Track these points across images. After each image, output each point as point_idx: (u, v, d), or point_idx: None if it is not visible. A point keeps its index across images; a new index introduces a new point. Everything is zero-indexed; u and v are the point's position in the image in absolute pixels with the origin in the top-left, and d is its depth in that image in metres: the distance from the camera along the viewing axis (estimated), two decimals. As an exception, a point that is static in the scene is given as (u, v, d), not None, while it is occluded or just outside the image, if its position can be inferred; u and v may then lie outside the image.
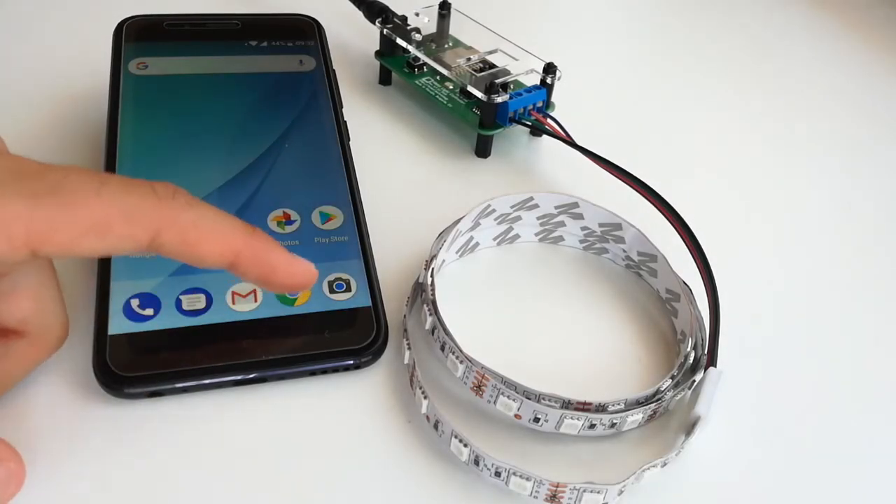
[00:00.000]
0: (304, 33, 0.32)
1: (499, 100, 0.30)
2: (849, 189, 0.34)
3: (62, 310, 0.21)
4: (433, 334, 0.23)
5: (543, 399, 0.22)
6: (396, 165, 0.31)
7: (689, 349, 0.24)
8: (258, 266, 0.19)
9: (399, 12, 0.34)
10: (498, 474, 0.20)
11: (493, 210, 0.27)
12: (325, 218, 0.26)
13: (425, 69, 0.34)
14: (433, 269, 0.25)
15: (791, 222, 0.31)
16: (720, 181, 0.33)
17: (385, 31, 0.34)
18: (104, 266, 0.23)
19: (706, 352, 0.24)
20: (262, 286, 0.20)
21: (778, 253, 0.30)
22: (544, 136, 0.33)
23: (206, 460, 0.21)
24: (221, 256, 0.19)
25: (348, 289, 0.24)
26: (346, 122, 0.30)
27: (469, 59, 0.33)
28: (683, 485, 0.22)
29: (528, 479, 0.20)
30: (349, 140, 0.29)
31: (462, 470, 0.21)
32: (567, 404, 0.22)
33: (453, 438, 0.21)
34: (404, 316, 0.24)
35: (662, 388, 0.23)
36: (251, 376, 0.22)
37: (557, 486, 0.20)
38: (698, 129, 0.36)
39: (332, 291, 0.24)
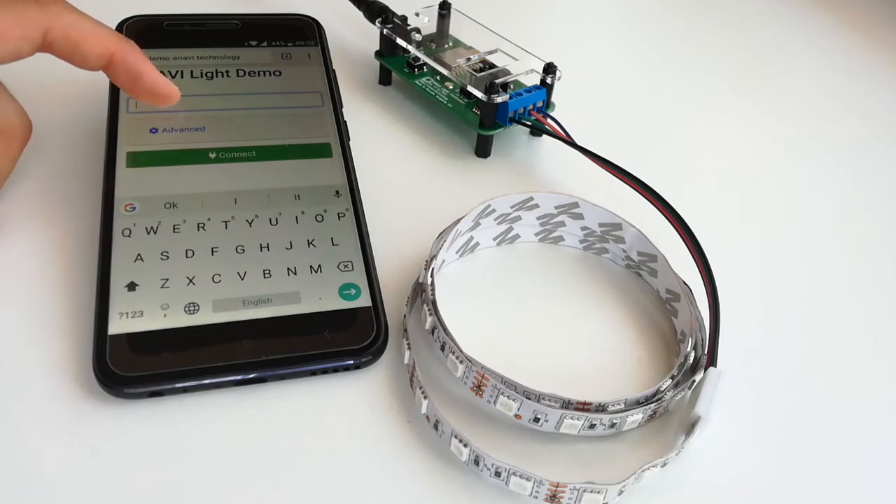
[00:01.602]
0: (304, 33, 0.32)
1: (499, 100, 0.30)
2: (849, 188, 0.34)
3: (18, 107, 0.25)
4: (433, 334, 0.23)
5: (543, 399, 0.22)
6: (396, 165, 0.31)
7: (689, 349, 0.24)
8: (128, 69, 0.24)
9: (399, 12, 0.34)
10: (498, 474, 0.20)
11: (493, 210, 0.27)
12: (325, 218, 0.26)
13: (425, 69, 0.34)
14: (433, 269, 0.25)
15: (791, 222, 0.31)
16: (720, 181, 0.33)
17: (385, 31, 0.34)
18: (104, 266, 0.23)
19: (706, 352, 0.24)
20: (130, 91, 0.25)
21: (778, 253, 0.30)
22: (544, 136, 0.33)
23: (206, 460, 0.21)
24: (100, 56, 0.24)
25: (348, 289, 0.24)
26: (346, 122, 0.30)
27: (469, 59, 0.33)
28: (683, 485, 0.22)
29: (528, 479, 0.20)
30: (349, 140, 0.29)
31: (462, 470, 0.21)
32: (567, 404, 0.22)
33: (453, 438, 0.21)
34: (404, 316, 0.24)
35: (662, 388, 0.23)
36: (251, 376, 0.22)
37: (557, 486, 0.20)
38: (698, 128, 0.36)
39: (332, 292, 0.24)
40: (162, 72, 0.29)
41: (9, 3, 0.22)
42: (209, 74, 0.30)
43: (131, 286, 0.23)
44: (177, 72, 0.29)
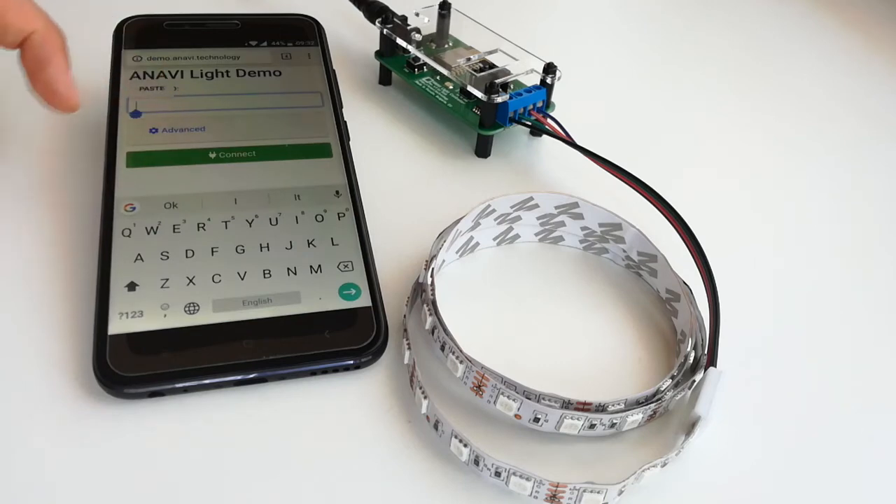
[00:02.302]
0: (304, 33, 0.32)
1: (499, 100, 0.30)
2: (849, 188, 0.34)
3: (46, 16, 0.24)
4: (433, 334, 0.23)
5: (543, 399, 0.22)
6: (396, 165, 0.31)
7: (689, 349, 0.24)
8: (39, 53, 0.23)
9: (399, 12, 0.34)
10: (498, 474, 0.20)
11: (493, 210, 0.27)
12: (325, 218, 0.26)
13: (425, 69, 0.34)
14: (433, 269, 0.25)
15: (791, 222, 0.31)
16: (720, 181, 0.33)
17: (385, 31, 0.34)
18: (104, 266, 0.23)
19: (706, 352, 0.24)
20: (31, 77, 0.24)
21: (778, 253, 0.30)
22: (544, 136, 0.33)
23: (206, 460, 0.21)
24: (20, 31, 0.23)
25: (348, 289, 0.24)
26: (346, 122, 0.30)
27: (469, 59, 0.33)
28: (683, 485, 0.22)
29: (528, 479, 0.20)
30: (349, 140, 0.29)
31: (462, 470, 0.21)
32: (567, 404, 0.22)
33: (453, 438, 0.21)
34: (404, 316, 0.24)
35: (662, 388, 0.23)
36: (251, 376, 0.22)
37: (557, 486, 0.20)
38: (698, 128, 0.36)
39: (332, 292, 0.24)
40: (162, 72, 0.30)
41: None
42: (209, 74, 0.30)
43: (131, 286, 0.23)
44: (177, 72, 0.29)
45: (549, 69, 0.31)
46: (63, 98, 0.24)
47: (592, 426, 0.22)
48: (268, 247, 0.25)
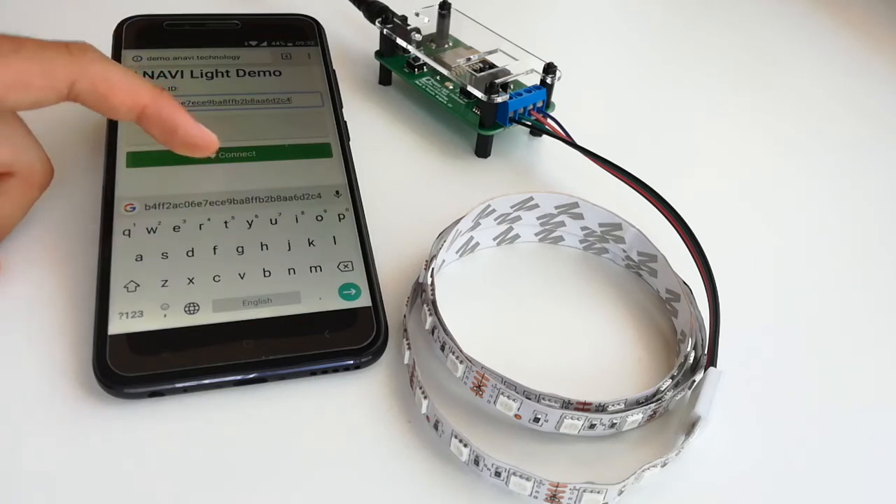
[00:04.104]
0: (304, 33, 0.32)
1: (499, 100, 0.30)
2: (849, 188, 0.34)
3: (41, 151, 0.25)
4: (433, 334, 0.23)
5: (543, 399, 0.22)
6: (396, 165, 0.31)
7: (689, 349, 0.24)
8: (162, 122, 0.23)
9: (399, 12, 0.34)
10: (498, 474, 0.20)
11: (493, 210, 0.27)
12: (325, 218, 0.26)
13: (425, 69, 0.34)
14: (433, 269, 0.25)
15: (791, 222, 0.31)
16: (720, 181, 0.33)
17: (385, 31, 0.34)
18: (104, 266, 0.23)
19: (706, 352, 0.24)
20: (166, 143, 0.23)
21: (778, 253, 0.30)
22: (544, 136, 0.33)
23: (206, 460, 0.21)
24: (130, 109, 0.23)
25: (348, 289, 0.24)
26: (346, 122, 0.30)
27: (469, 59, 0.33)
28: (683, 485, 0.22)
29: (528, 479, 0.20)
30: (349, 140, 0.29)
31: (462, 470, 0.21)
32: (567, 404, 0.22)
33: (453, 438, 0.21)
34: (404, 316, 0.24)
35: (662, 388, 0.23)
36: (251, 376, 0.22)
37: (557, 486, 0.20)
38: (698, 128, 0.36)
39: (332, 291, 0.24)
40: (162, 72, 0.30)
41: (39, 49, 0.21)
42: (209, 74, 0.30)
43: (131, 286, 0.23)
44: (177, 72, 0.29)
45: (549, 69, 0.31)
46: (205, 147, 0.23)
47: (592, 426, 0.22)
48: (268, 247, 0.25)
